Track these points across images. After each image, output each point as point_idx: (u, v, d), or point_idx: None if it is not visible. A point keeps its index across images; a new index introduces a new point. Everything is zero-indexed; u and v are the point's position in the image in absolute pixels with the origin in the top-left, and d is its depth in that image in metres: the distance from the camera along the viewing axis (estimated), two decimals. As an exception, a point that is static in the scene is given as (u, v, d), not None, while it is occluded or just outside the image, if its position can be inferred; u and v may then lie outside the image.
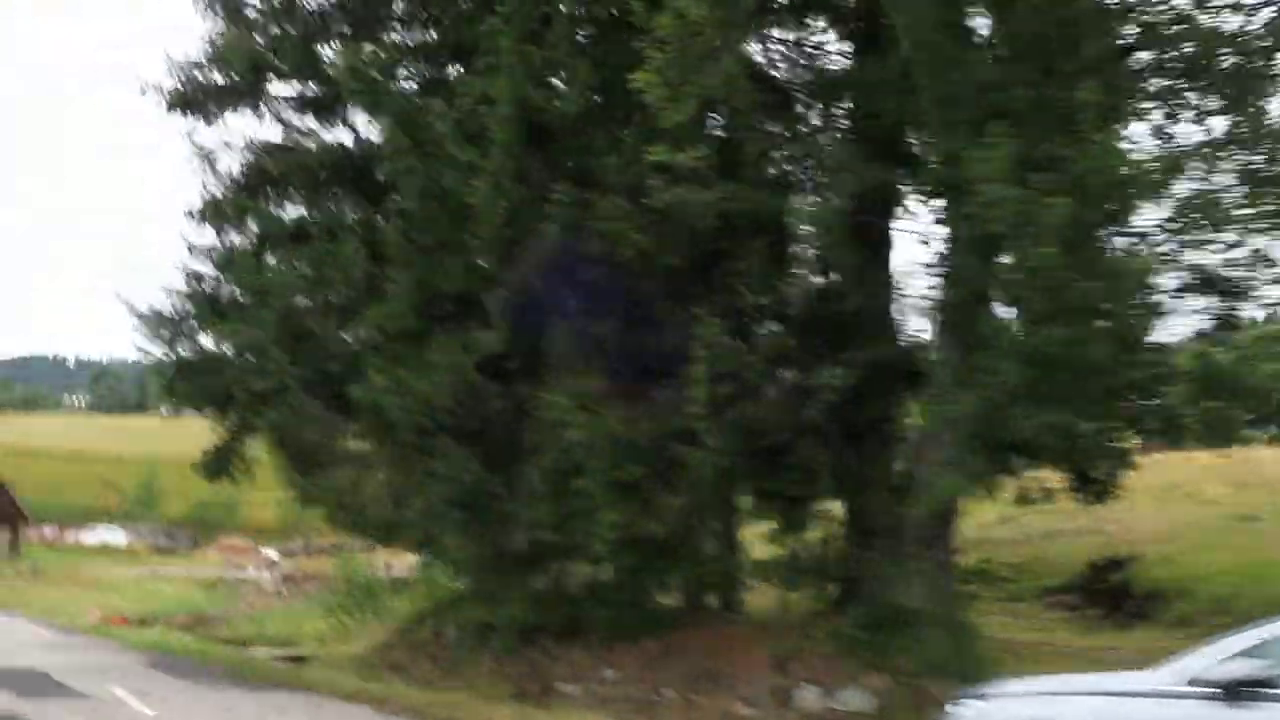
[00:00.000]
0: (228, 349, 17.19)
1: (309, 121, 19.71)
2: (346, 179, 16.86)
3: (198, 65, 19.14)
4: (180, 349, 19.20)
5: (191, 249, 19.98)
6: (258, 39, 18.80)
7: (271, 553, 73.71)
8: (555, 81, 12.82)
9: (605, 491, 11.47)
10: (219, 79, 19.23)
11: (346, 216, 15.81)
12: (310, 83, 18.93)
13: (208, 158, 19.51)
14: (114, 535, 67.02)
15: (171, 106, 19.01)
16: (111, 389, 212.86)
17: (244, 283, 17.04)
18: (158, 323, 19.03)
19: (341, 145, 16.85)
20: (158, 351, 19.02)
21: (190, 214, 20.16)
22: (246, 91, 19.27)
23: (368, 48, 17.64)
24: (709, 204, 10.94)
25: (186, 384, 17.49)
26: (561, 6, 13.00)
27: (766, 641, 13.19)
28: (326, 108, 19.20)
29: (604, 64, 13.06)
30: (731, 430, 10.89)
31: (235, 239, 19.82)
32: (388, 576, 28.67)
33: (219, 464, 20.98)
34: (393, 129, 13.56)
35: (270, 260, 17.98)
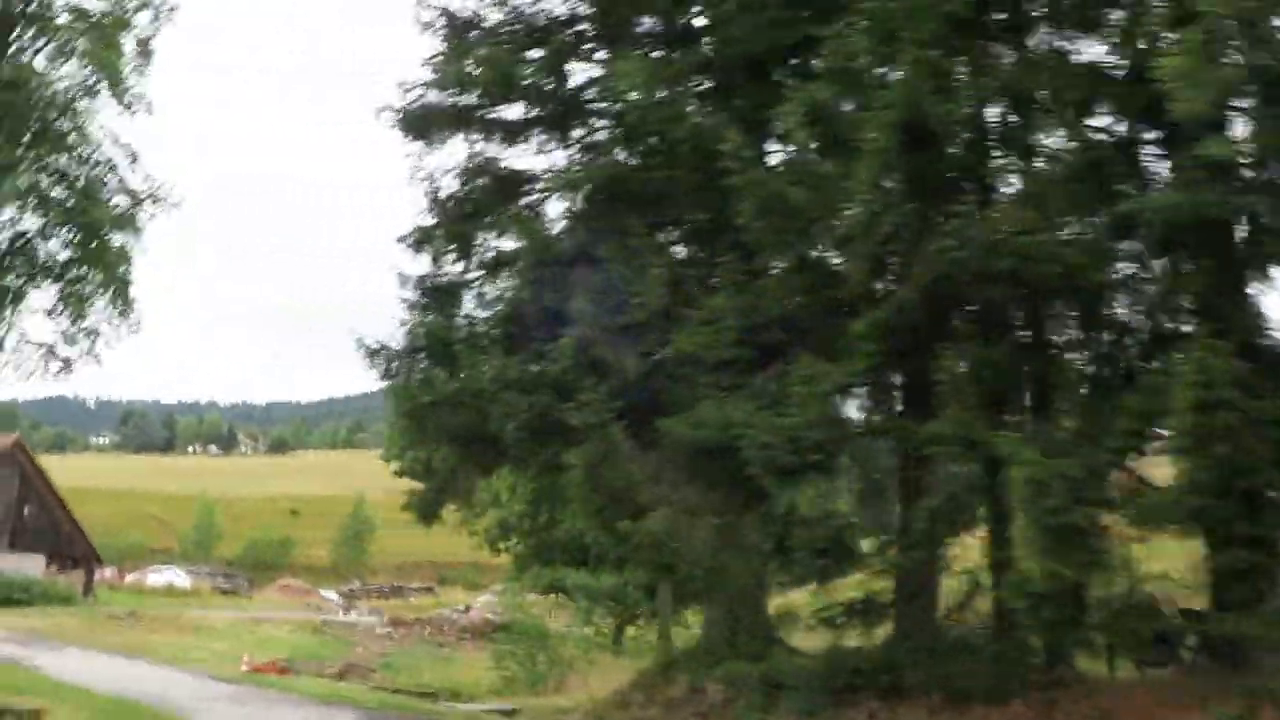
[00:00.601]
0: (484, 382, 15.95)
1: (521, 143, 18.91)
2: (614, 199, 15.75)
3: (426, 86, 18.21)
4: (409, 384, 18.09)
5: (403, 279, 18.96)
6: (487, 59, 17.83)
7: (332, 595, 72.29)
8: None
9: (1044, 537, 10.21)
10: (446, 101, 18.30)
11: (640, 237, 14.64)
12: (548, 103, 17.98)
13: (432, 182, 18.55)
14: (179, 577, 65.57)
15: (405, 130, 18.04)
16: (138, 427, 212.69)
17: (509, 311, 15.90)
18: (387, 358, 17.94)
19: (618, 163, 15.73)
20: (387, 386, 17.93)
21: (403, 241, 19.21)
22: (474, 113, 18.31)
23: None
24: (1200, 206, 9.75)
25: (438, 420, 16.28)
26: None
27: (1165, 700, 11.86)
28: (563, 126, 18.26)
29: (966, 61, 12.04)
30: (1212, 466, 9.65)
31: (459, 267, 18.83)
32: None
33: (433, 504, 19.81)
34: (736, 139, 12.43)
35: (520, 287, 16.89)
